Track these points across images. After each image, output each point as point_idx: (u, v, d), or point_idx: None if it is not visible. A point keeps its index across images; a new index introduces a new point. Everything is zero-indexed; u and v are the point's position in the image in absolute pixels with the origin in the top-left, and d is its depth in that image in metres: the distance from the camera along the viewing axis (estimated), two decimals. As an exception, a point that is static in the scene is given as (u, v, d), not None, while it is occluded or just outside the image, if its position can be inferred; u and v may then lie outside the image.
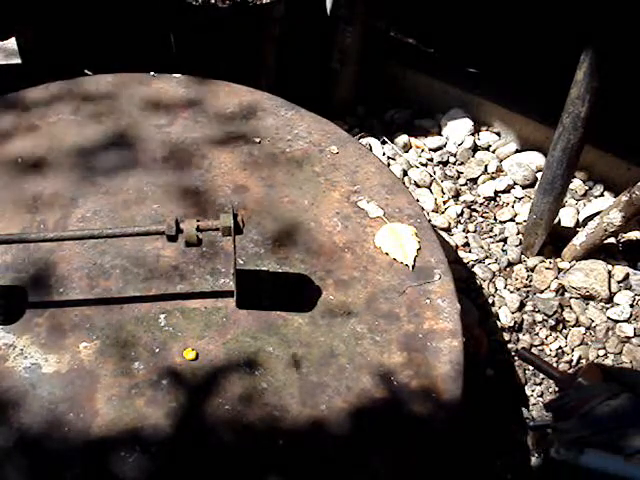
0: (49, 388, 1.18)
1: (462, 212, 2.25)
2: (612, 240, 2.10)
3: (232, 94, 1.74)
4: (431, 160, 2.40)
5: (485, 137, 2.44)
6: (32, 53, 2.33)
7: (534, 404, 1.84)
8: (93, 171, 1.53)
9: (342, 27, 2.35)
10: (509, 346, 1.94)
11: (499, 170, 2.36)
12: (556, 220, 2.10)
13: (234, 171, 1.56)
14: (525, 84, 2.36)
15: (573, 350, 1.94)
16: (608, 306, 2.01)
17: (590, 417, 1.49)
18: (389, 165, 2.34)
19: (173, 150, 1.59)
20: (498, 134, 2.46)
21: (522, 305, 2.01)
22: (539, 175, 2.23)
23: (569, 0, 2.16)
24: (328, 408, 1.19)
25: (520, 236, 2.17)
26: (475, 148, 2.42)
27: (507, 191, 2.31)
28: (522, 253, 2.13)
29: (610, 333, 1.97)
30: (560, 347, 1.95)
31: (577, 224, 2.20)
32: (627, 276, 2.05)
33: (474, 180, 2.34)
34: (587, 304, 2.02)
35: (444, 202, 2.28)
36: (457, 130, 2.42)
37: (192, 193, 1.50)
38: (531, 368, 1.88)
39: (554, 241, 2.12)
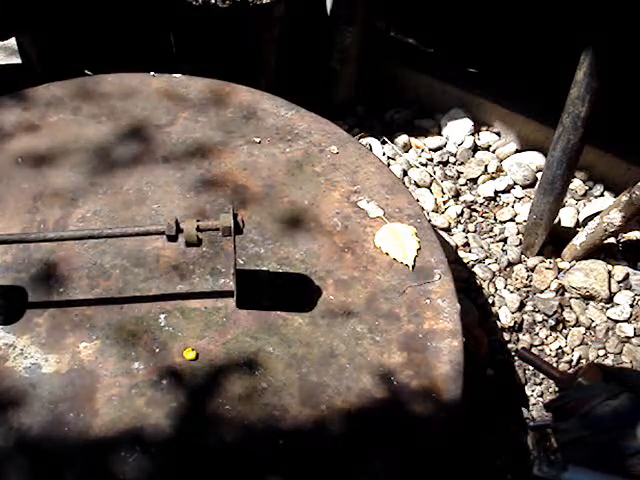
0: (49, 388, 1.18)
1: (462, 212, 2.25)
2: (612, 240, 2.10)
3: (232, 94, 1.74)
4: (431, 160, 2.40)
5: (485, 137, 2.44)
6: (32, 53, 2.33)
7: (534, 404, 1.84)
8: (93, 171, 1.53)
9: (342, 27, 2.34)
10: (509, 346, 1.94)
11: (499, 170, 2.36)
12: (556, 220, 2.10)
13: (234, 171, 1.56)
14: (525, 84, 2.36)
15: (573, 350, 1.94)
16: (608, 306, 2.01)
17: (590, 417, 1.49)
18: (389, 165, 2.34)
19: (173, 150, 1.59)
20: (498, 134, 2.46)
21: (522, 305, 2.01)
22: (539, 175, 2.23)
23: (569, 0, 2.16)
24: (328, 408, 1.19)
25: (520, 236, 2.17)
26: (475, 148, 2.42)
27: (507, 191, 2.31)
28: (522, 253, 2.13)
29: (610, 333, 1.97)
30: (560, 347, 1.95)
31: (577, 224, 2.20)
32: (627, 276, 2.05)
33: (474, 180, 2.34)
34: (587, 304, 2.02)
35: (444, 202, 2.28)
36: (457, 130, 2.42)
37: (192, 193, 1.50)
38: (531, 368, 1.88)
39: (554, 241, 2.12)
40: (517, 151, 2.40)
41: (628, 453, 1.42)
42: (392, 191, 1.55)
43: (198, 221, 1.19)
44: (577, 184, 2.32)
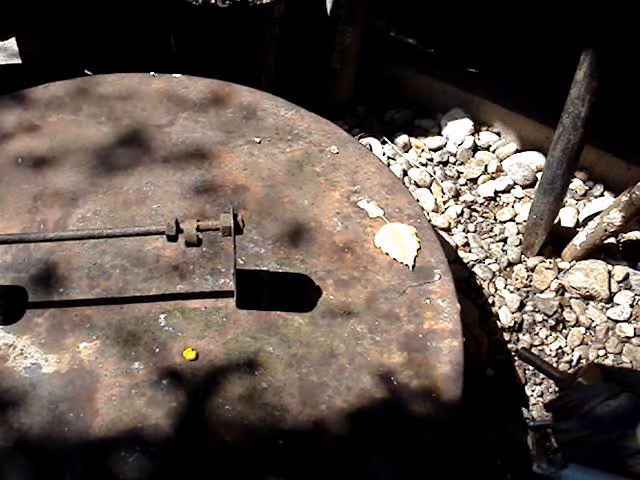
0: (49, 388, 1.18)
1: (462, 212, 2.25)
2: (612, 240, 2.10)
3: (232, 94, 1.74)
4: (431, 160, 2.40)
5: (485, 137, 2.44)
6: (32, 53, 2.33)
7: (534, 404, 1.84)
8: (93, 171, 1.53)
9: (342, 27, 2.34)
10: (509, 346, 1.94)
11: (499, 170, 2.36)
12: (556, 220, 2.10)
13: (234, 171, 1.56)
14: (525, 84, 2.36)
15: (573, 350, 1.94)
16: (608, 306, 2.01)
17: (590, 417, 1.49)
18: (389, 165, 2.34)
19: (173, 150, 1.59)
20: (498, 134, 2.46)
21: (522, 305, 2.01)
22: (539, 175, 2.23)
23: (569, 0, 2.16)
24: (328, 408, 1.19)
25: (520, 236, 2.17)
26: (475, 148, 2.42)
27: (507, 191, 2.31)
28: (522, 253, 2.13)
29: (610, 333, 1.97)
30: (560, 347, 1.95)
31: (577, 224, 2.20)
32: (627, 276, 2.05)
33: (474, 180, 2.34)
34: (587, 304, 2.02)
35: (444, 202, 2.28)
36: (457, 130, 2.42)
37: (192, 193, 1.50)
38: (531, 368, 1.88)
39: (554, 241, 2.12)
40: (517, 151, 2.40)
41: (628, 453, 1.42)
42: (392, 191, 1.55)
43: (198, 221, 1.19)
44: (577, 184, 2.32)
